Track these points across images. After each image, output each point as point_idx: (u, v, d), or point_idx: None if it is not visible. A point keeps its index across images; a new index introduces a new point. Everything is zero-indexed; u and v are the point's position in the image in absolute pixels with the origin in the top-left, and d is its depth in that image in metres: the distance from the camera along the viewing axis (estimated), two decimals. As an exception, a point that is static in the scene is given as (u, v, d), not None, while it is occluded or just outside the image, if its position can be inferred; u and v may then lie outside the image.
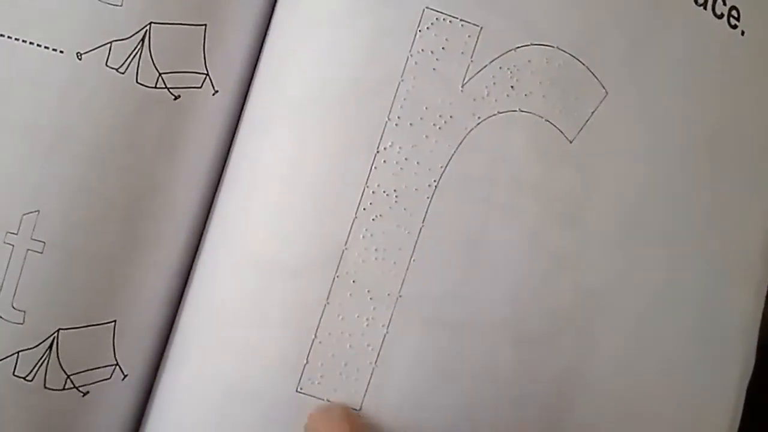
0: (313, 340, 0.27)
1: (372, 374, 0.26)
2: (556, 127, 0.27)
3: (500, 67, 0.26)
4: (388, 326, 0.26)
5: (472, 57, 0.26)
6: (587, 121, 0.27)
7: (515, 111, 0.26)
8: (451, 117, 0.26)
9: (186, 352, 0.29)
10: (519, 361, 0.26)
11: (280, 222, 0.28)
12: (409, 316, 0.26)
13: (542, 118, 0.26)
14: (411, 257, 0.26)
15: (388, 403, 0.26)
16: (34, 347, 0.27)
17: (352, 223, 0.27)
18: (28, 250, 0.27)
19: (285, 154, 0.28)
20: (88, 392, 0.28)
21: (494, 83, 0.26)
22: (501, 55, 0.26)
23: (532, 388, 0.26)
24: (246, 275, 0.28)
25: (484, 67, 0.26)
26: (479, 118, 0.26)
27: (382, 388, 0.26)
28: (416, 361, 0.26)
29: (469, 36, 0.26)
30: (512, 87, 0.26)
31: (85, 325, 0.28)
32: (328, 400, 0.27)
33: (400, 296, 0.26)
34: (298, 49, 0.28)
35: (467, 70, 0.26)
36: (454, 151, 0.26)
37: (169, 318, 0.30)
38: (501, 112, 0.26)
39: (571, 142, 0.27)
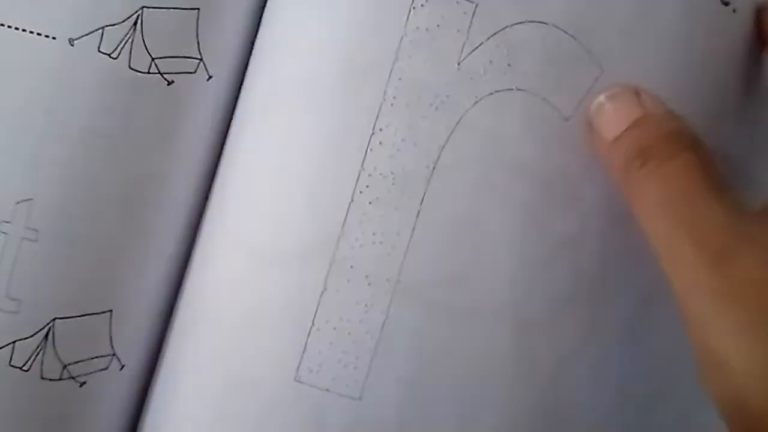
0: (311, 328, 0.26)
1: (372, 362, 0.26)
2: (552, 105, 0.26)
3: (496, 45, 0.25)
4: (387, 312, 0.26)
5: (467, 35, 0.25)
6: (583, 99, 0.26)
7: (512, 89, 0.25)
8: (447, 96, 0.25)
9: (184, 341, 0.29)
10: (519, 346, 0.25)
11: (276, 208, 0.27)
12: (408, 301, 0.26)
13: (538, 96, 0.26)
14: (409, 241, 0.26)
15: (388, 392, 0.26)
16: (30, 337, 0.27)
17: (349, 207, 0.26)
18: (22, 238, 0.27)
19: (280, 139, 0.27)
20: (85, 382, 0.28)
21: (490, 61, 0.25)
22: (496, 33, 0.25)
23: (532, 373, 0.25)
24: (243, 262, 0.27)
25: (480, 44, 0.25)
26: (476, 97, 0.25)
27: (382, 376, 0.26)
28: (416, 348, 0.26)
29: (464, 13, 0.25)
30: (508, 65, 0.25)
31: (81, 314, 0.28)
32: (327, 390, 0.26)
33: (399, 281, 0.26)
34: (293, 31, 0.28)
35: (463, 48, 0.25)
36: (452, 132, 0.25)
37: (167, 307, 0.30)
38: (498, 91, 0.25)
39: (567, 120, 0.26)
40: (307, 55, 0.27)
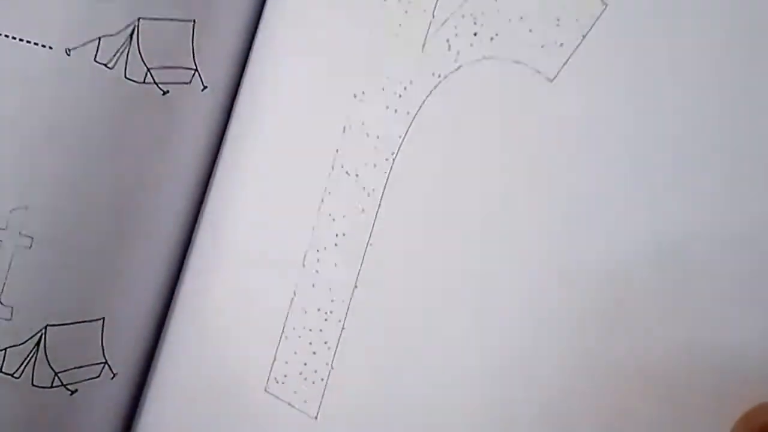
0: (281, 336, 0.25)
1: (328, 376, 0.23)
2: (530, 67, 0.22)
3: (462, 16, 0.23)
4: (344, 322, 0.23)
5: (433, 13, 0.23)
6: (578, 46, 0.21)
7: (479, 60, 0.22)
8: (411, 82, 0.23)
9: (175, 349, 0.28)
10: (484, 361, 0.22)
11: (262, 215, 0.27)
12: (364, 310, 0.23)
13: (512, 60, 0.22)
14: (368, 242, 0.23)
15: (343, 414, 0.23)
16: (22, 344, 0.27)
17: (319, 209, 0.24)
18: (17, 245, 0.27)
19: (269, 147, 0.27)
20: (76, 390, 0.28)
21: (456, 34, 0.23)
22: (464, 2, 0.23)
23: (494, 386, 0.22)
24: (232, 271, 0.27)
25: (446, 20, 0.23)
26: (439, 76, 0.23)
27: (338, 394, 0.23)
28: (373, 363, 0.23)
29: (432, -8, 0.23)
30: (475, 34, 0.22)
31: (74, 322, 0.28)
32: (289, 404, 0.24)
33: (356, 287, 0.23)
34: (283, 42, 0.27)
35: (429, 29, 0.23)
36: (413, 119, 0.23)
37: (159, 315, 0.30)
38: (463, 66, 0.23)
39: (552, 80, 0.21)
40: (295, 64, 0.26)
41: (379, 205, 0.23)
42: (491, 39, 0.22)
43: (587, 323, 0.19)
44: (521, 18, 0.21)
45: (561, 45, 0.21)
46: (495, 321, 0.21)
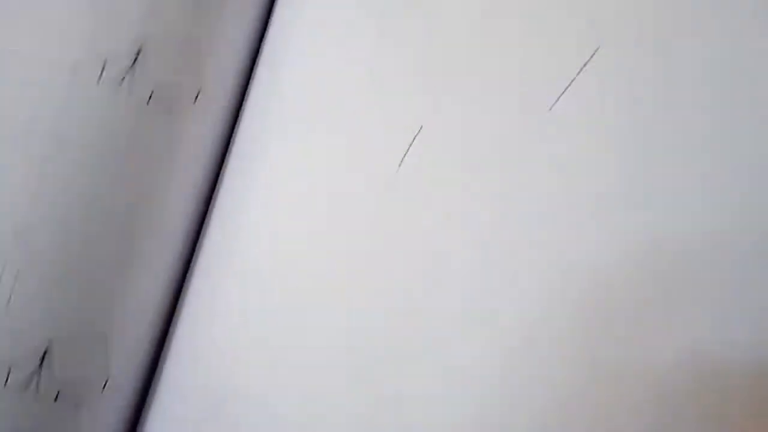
0: (283, 348, 0.25)
1: (323, 389, 0.24)
2: (529, 96, 0.22)
3: (467, 46, 0.23)
4: (338, 332, 0.24)
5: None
6: (576, 77, 0.21)
7: (480, 91, 0.23)
8: (412, 105, 0.24)
9: (177, 364, 0.28)
10: (485, 378, 0.22)
11: (263, 231, 0.27)
12: (360, 319, 0.24)
13: (511, 88, 0.22)
14: (368, 253, 0.24)
15: (340, 424, 0.23)
16: (27, 359, 0.28)
17: (322, 223, 0.25)
18: (23, 260, 0.28)
19: (273, 165, 0.27)
20: (80, 404, 0.28)
21: (459, 63, 0.23)
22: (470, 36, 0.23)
23: (493, 401, 0.22)
24: (234, 284, 0.27)
25: (450, 49, 0.24)
26: (441, 106, 0.23)
27: (334, 405, 0.24)
28: (368, 375, 0.23)
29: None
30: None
31: (78, 336, 0.28)
32: (285, 417, 0.25)
33: (355, 297, 0.24)
34: (286, 60, 0.28)
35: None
36: (413, 141, 0.24)
37: (162, 330, 0.30)
38: (465, 96, 0.23)
39: (549, 109, 0.21)
40: (297, 83, 0.27)
41: (380, 220, 0.24)
42: (493, 70, 0.22)
43: (586, 327, 0.20)
44: (523, 47, 0.22)
45: (560, 75, 0.21)
46: (499, 335, 0.22)
